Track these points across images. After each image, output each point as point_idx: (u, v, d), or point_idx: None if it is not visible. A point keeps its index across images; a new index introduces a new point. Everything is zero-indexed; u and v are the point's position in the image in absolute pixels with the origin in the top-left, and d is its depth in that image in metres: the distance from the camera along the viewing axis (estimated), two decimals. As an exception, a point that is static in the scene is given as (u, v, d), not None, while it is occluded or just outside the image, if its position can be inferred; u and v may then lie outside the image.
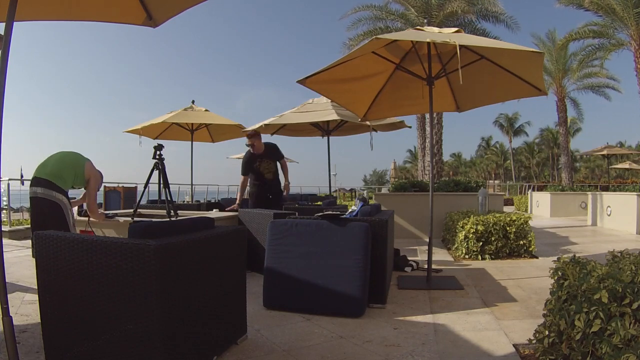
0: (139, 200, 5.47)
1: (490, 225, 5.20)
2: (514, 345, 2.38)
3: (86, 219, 3.98)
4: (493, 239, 5.18)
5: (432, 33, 3.71)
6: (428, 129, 13.37)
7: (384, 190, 17.70)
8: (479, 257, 5.16)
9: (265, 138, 6.93)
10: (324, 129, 7.50)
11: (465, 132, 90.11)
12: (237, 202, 5.25)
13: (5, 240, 6.20)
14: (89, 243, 1.85)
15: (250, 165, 5.25)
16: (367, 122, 6.33)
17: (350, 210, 4.14)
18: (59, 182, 3.43)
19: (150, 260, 1.70)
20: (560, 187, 14.78)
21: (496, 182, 32.76)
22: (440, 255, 5.52)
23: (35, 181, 3.41)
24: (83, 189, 3.87)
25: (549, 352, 1.92)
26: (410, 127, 8.22)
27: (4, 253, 1.92)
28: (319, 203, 7.02)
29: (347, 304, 2.94)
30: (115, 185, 10.10)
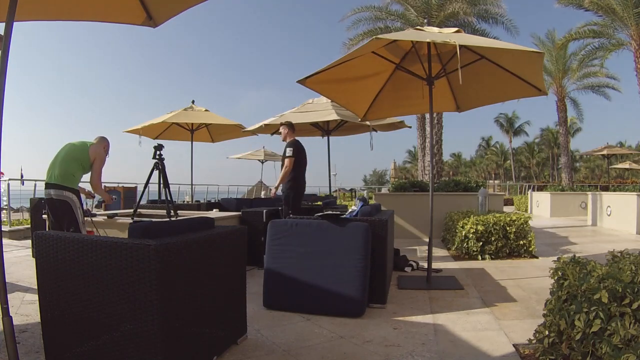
0: (139, 200, 5.47)
1: (490, 225, 5.20)
2: (514, 345, 2.38)
3: (87, 219, 3.98)
4: (493, 239, 5.18)
5: (432, 33, 3.71)
6: (428, 129, 13.35)
7: (384, 190, 17.70)
8: (479, 257, 5.16)
9: (265, 138, 6.95)
10: (324, 129, 7.49)
11: (465, 132, 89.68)
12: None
13: (5, 240, 6.20)
14: (89, 243, 1.85)
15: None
16: (367, 122, 6.32)
17: (350, 210, 4.14)
18: (68, 182, 3.75)
19: (150, 260, 1.71)
20: (560, 187, 14.77)
21: (496, 182, 32.68)
22: (440, 255, 5.51)
23: (49, 185, 3.78)
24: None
25: (549, 352, 1.92)
26: (410, 127, 8.21)
27: (4, 253, 1.92)
28: (319, 203, 7.00)
29: (347, 304, 2.94)
30: (115, 185, 10.10)
